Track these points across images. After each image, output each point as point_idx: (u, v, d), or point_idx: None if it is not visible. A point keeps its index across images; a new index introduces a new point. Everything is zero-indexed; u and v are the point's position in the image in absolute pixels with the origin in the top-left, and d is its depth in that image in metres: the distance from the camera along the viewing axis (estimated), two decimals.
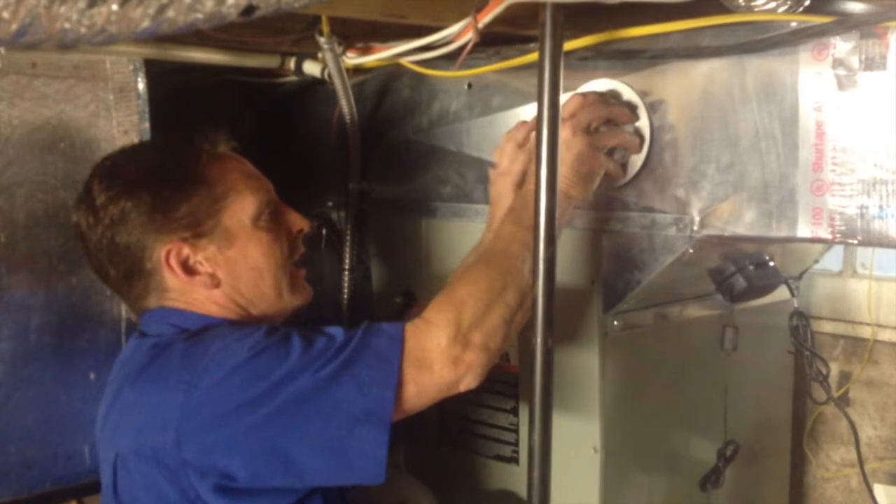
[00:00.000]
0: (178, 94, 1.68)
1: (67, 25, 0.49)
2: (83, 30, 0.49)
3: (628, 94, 1.37)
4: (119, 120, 1.41)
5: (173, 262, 1.21)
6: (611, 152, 1.37)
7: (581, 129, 1.28)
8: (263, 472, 1.13)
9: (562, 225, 1.24)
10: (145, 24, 0.53)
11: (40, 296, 1.30)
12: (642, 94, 1.38)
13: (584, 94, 1.33)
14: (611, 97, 1.37)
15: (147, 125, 1.43)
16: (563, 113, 1.22)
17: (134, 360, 1.21)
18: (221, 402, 1.12)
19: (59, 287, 1.32)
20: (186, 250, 1.22)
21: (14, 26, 0.47)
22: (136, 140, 1.43)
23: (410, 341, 1.15)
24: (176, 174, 1.23)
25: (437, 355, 1.15)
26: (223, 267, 1.24)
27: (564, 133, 1.23)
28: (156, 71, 1.49)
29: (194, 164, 1.24)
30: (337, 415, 1.11)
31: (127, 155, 1.27)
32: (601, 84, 1.39)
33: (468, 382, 1.18)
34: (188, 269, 1.23)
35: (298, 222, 1.33)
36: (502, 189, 1.41)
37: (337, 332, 1.17)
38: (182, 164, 1.24)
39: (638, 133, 1.36)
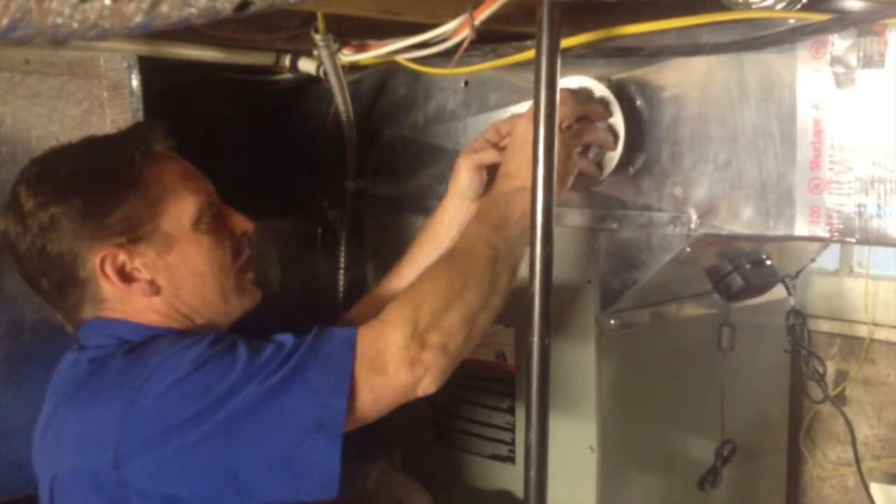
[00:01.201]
0: (172, 92, 1.66)
1: (59, 20, 0.48)
2: (75, 24, 0.48)
3: (600, 90, 1.35)
4: (113, 117, 1.40)
5: (108, 269, 1.15)
6: (585, 151, 1.34)
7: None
8: (210, 493, 1.07)
9: (528, 228, 1.20)
10: (138, 18, 0.52)
11: (34, 294, 1.29)
12: (638, 92, 1.37)
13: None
14: (582, 94, 1.34)
15: (146, 121, 1.42)
16: (534, 112, 1.19)
17: (72, 375, 1.16)
18: (162, 419, 1.06)
19: (42, 295, 1.30)
20: (122, 257, 1.16)
21: (5, 21, 0.46)
22: None
23: (364, 343, 1.10)
24: (108, 177, 1.16)
25: (393, 356, 1.09)
26: (163, 273, 1.18)
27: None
28: (150, 68, 1.48)
29: (128, 165, 1.17)
30: (285, 425, 1.06)
31: (56, 158, 1.20)
32: (572, 81, 1.37)
33: (426, 386, 1.11)
34: (125, 277, 1.16)
35: (242, 224, 1.26)
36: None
37: (286, 338, 1.11)
38: (115, 167, 1.17)
39: (612, 130, 1.34)
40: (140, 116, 1.43)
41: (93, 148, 1.22)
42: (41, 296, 1.22)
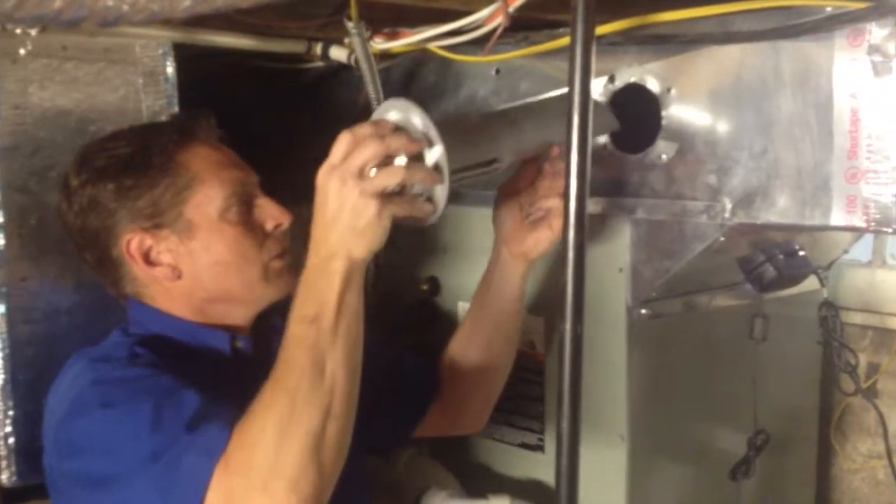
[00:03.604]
0: (205, 80, 1.67)
1: (110, 3, 0.48)
2: (125, 7, 0.48)
3: (418, 118, 1.13)
4: (148, 104, 1.41)
5: (134, 251, 1.20)
6: (402, 191, 1.11)
7: (352, 175, 1.06)
8: None
9: (352, 299, 1.07)
10: (187, 3, 0.53)
11: (70, 278, 1.30)
12: (668, 81, 1.36)
13: (352, 132, 1.09)
14: (390, 125, 1.12)
15: (176, 109, 1.43)
16: (331, 158, 1.07)
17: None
18: (67, 450, 1.13)
19: (89, 269, 1.32)
20: (149, 241, 1.20)
21: (57, 3, 0.47)
22: None
23: (217, 479, 1.01)
24: (140, 163, 1.20)
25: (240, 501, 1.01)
26: (185, 259, 1.21)
27: (333, 184, 1.06)
28: (184, 56, 1.49)
29: (160, 152, 1.21)
30: None
31: (102, 142, 1.26)
32: (393, 107, 1.16)
33: None
34: (149, 260, 1.21)
35: (276, 217, 1.26)
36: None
37: (189, 406, 1.07)
38: (148, 153, 1.21)
39: (435, 164, 1.12)
40: (175, 103, 1.44)
41: (134, 134, 1.26)
42: (89, 268, 1.28)
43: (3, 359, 1.29)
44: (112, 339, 1.24)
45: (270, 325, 1.30)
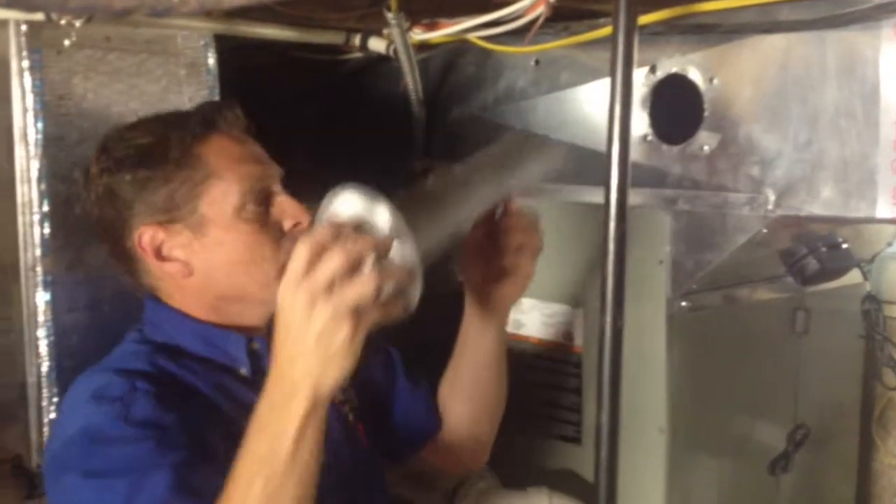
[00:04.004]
0: (245, 72, 1.68)
1: None
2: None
3: (381, 210, 0.98)
4: (190, 95, 1.41)
5: (146, 245, 1.17)
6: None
7: (321, 291, 0.92)
8: None
9: (310, 438, 0.95)
10: None
11: (113, 267, 1.32)
12: (711, 71, 1.34)
13: (313, 239, 0.94)
14: (350, 226, 0.97)
15: (217, 100, 1.44)
16: (292, 272, 0.93)
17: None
18: (48, 490, 1.13)
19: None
20: (161, 235, 1.17)
21: None
22: None
23: None
24: (158, 155, 1.17)
25: None
26: (199, 255, 1.17)
27: (299, 303, 0.92)
28: (224, 47, 1.50)
29: (178, 145, 1.17)
30: None
31: (122, 131, 1.23)
32: (347, 198, 1.00)
33: None
34: (161, 255, 1.18)
35: (295, 215, 1.20)
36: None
37: (157, 493, 1.02)
38: (166, 145, 1.17)
39: (405, 259, 0.99)
40: (216, 94, 1.44)
41: (154, 124, 1.23)
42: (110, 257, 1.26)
43: (49, 346, 1.30)
44: (124, 345, 1.22)
45: None
